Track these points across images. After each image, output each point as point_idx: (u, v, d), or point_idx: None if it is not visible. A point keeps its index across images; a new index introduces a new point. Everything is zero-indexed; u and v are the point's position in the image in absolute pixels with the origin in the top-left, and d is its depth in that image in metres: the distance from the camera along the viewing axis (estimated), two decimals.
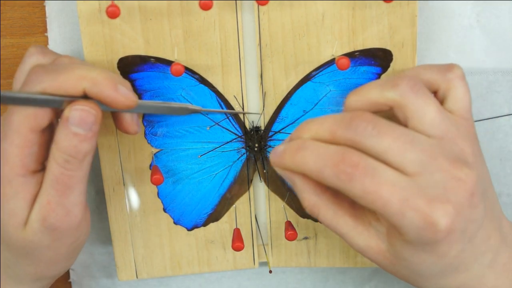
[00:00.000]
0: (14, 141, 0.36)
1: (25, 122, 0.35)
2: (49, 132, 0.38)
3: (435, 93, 0.37)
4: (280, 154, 0.36)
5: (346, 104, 0.37)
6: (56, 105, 0.36)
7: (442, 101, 0.37)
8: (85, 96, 0.36)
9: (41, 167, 0.37)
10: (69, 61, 0.38)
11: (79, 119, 0.35)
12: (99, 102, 0.36)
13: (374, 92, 0.36)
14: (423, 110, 0.35)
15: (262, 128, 0.44)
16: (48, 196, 0.36)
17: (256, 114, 0.44)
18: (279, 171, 0.37)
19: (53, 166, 0.36)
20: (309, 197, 0.37)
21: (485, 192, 0.36)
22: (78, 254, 0.41)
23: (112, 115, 0.41)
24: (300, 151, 0.35)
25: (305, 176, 0.36)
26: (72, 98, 0.36)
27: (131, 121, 0.40)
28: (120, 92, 0.36)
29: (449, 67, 0.37)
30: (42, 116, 0.36)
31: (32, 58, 0.39)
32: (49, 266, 0.39)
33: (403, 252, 0.36)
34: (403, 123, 0.35)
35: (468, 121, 0.37)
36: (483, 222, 0.36)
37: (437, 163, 0.34)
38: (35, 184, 0.37)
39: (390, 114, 0.36)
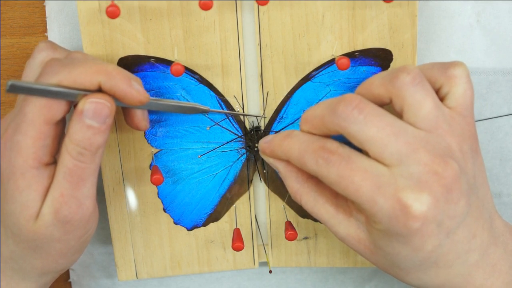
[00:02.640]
0: (28, 133, 0.36)
1: (40, 113, 0.36)
2: (61, 126, 0.38)
3: (438, 90, 0.37)
4: (269, 142, 0.39)
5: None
6: (71, 98, 0.36)
7: (443, 98, 0.37)
8: (99, 91, 0.36)
9: (53, 160, 0.37)
10: (83, 56, 0.39)
11: (94, 112, 0.36)
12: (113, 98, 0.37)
13: (376, 84, 0.36)
14: (420, 103, 0.35)
15: (262, 128, 0.44)
16: (61, 189, 0.36)
17: (262, 117, 0.44)
18: (265, 157, 0.40)
19: (66, 158, 0.36)
20: (292, 184, 0.39)
21: (472, 190, 0.36)
22: (85, 248, 0.41)
23: (122, 111, 0.41)
24: (287, 139, 0.38)
25: (288, 164, 0.39)
26: (87, 92, 0.36)
27: (142, 117, 0.40)
28: (134, 87, 0.37)
29: (451, 65, 0.37)
30: (56, 108, 0.36)
31: (42, 54, 0.39)
32: (57, 260, 0.39)
33: (379, 241, 0.36)
34: (398, 114, 0.36)
35: (465, 118, 0.37)
36: (466, 220, 0.36)
37: (416, 156, 0.34)
38: (47, 177, 0.37)
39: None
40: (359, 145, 0.35)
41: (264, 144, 0.40)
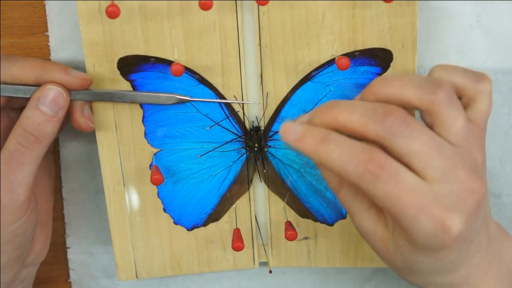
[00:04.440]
0: None
1: None
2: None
3: (461, 98, 0.38)
4: (300, 138, 0.35)
5: (374, 90, 0.36)
6: (22, 94, 0.38)
7: (464, 107, 0.37)
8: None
9: None
10: (20, 56, 0.41)
11: (49, 98, 0.37)
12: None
13: (410, 91, 0.35)
14: (453, 120, 0.35)
15: (262, 128, 0.44)
16: None
17: (253, 103, 0.43)
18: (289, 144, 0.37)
19: (11, 142, 0.38)
20: (329, 180, 0.38)
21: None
22: (21, 249, 0.41)
23: (68, 115, 0.41)
24: (324, 143, 0.34)
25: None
26: (31, 87, 0.38)
27: (80, 113, 0.41)
28: (72, 74, 0.39)
29: (481, 78, 0.37)
30: None
31: None
32: None
33: (403, 248, 0.36)
34: (428, 127, 0.36)
35: (483, 132, 0.38)
36: (479, 228, 0.37)
37: (456, 173, 0.34)
38: None
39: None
40: (400, 157, 0.34)
41: (290, 134, 0.35)
